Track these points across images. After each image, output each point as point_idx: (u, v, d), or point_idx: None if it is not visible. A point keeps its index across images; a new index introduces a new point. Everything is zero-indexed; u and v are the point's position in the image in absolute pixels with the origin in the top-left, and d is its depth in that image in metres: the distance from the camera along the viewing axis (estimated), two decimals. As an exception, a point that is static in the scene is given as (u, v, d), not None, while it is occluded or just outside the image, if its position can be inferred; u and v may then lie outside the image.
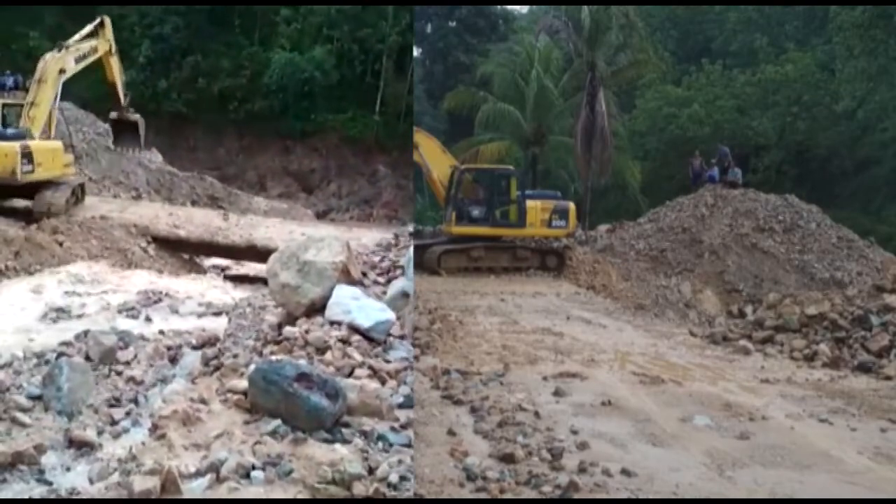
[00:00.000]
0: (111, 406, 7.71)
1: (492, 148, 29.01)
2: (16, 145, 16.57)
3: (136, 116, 22.37)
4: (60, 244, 15.23)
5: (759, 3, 37.59)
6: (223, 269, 18.60)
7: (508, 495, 6.09)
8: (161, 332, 10.04)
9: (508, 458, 6.74)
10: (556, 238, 21.09)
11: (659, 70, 34.60)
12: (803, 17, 38.33)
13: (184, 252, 18.31)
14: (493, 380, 9.71)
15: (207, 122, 35.10)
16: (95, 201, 19.53)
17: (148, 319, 11.05)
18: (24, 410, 7.32)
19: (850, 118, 32.57)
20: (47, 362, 8.54)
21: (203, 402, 5.86)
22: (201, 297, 12.94)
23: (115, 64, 20.50)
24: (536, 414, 8.24)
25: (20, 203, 17.26)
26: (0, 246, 13.82)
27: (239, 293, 13.07)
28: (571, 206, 21.26)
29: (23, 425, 7.04)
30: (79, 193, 18.47)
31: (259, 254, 16.13)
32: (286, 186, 35.14)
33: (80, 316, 10.97)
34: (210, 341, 9.17)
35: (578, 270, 19.46)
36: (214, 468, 4.84)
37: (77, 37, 18.97)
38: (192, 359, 8.79)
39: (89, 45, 19.09)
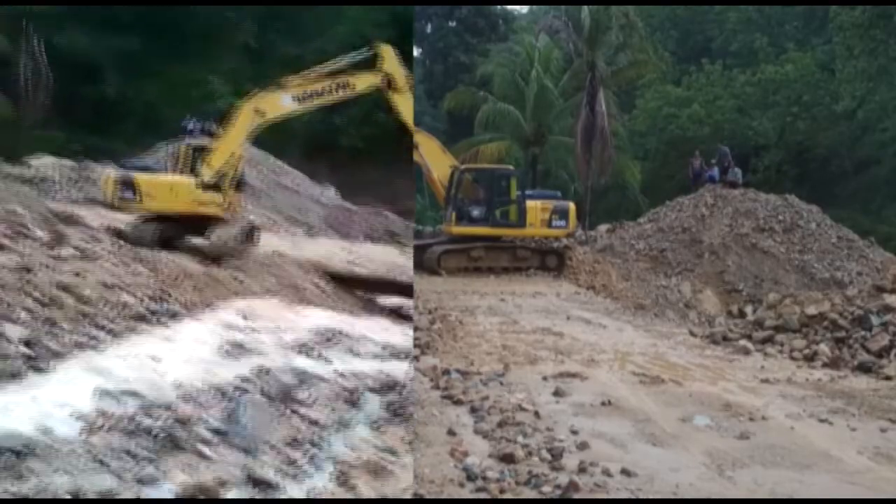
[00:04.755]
0: (290, 446, 7.48)
1: (492, 148, 29.02)
2: (111, 173, 16.76)
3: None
4: (238, 280, 15.02)
5: (759, 3, 37.59)
6: (402, 308, 16.73)
7: (508, 495, 6.09)
8: (339, 374, 9.70)
9: (508, 458, 6.74)
10: (556, 238, 21.08)
11: (659, 70, 34.63)
12: (803, 17, 38.35)
13: (360, 290, 17.50)
14: (493, 380, 9.70)
15: (384, 156, 34.43)
16: (271, 238, 19.10)
17: (324, 359, 10.61)
18: (207, 443, 7.22)
19: (850, 118, 32.58)
20: (224, 395, 8.38)
21: (392, 452, 5.69)
22: (380, 337, 12.34)
23: (399, 100, 17.40)
24: (536, 414, 8.23)
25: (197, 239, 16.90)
26: (183, 280, 13.72)
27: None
28: (571, 206, 21.25)
29: (205, 458, 6.97)
30: (250, 231, 17.75)
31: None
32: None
33: (255, 352, 10.67)
34: (391, 386, 8.88)
35: (578, 270, 19.45)
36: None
37: (319, 69, 16.93)
38: (373, 404, 8.50)
39: (330, 83, 16.84)
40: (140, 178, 16.86)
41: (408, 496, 4.65)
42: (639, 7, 33.14)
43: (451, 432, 7.51)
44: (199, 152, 17.12)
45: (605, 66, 28.75)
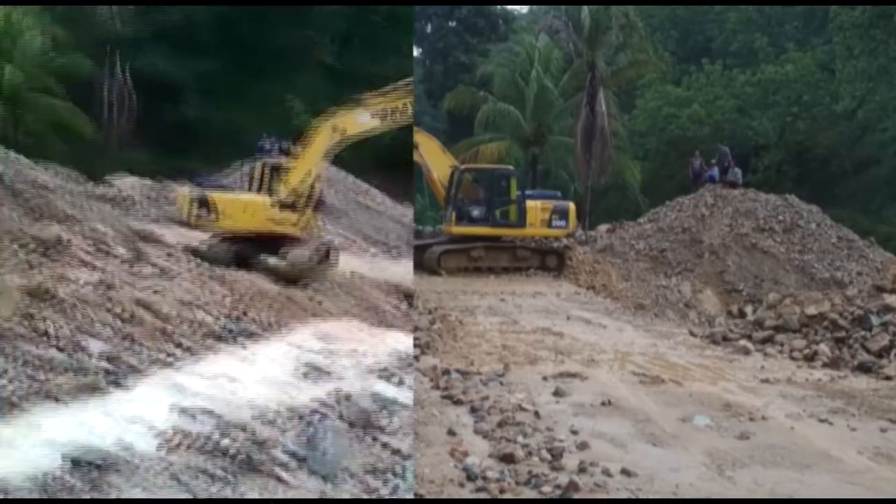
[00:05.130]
0: (370, 474, 7.37)
1: (492, 148, 29.00)
2: (188, 191, 16.87)
3: None
4: (315, 301, 14.86)
5: (759, 3, 37.58)
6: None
7: (508, 495, 6.09)
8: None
9: (508, 458, 6.74)
10: (556, 238, 21.09)
11: (659, 70, 34.62)
12: (803, 17, 38.34)
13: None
14: (493, 380, 9.71)
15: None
16: (350, 258, 18.91)
17: (403, 383, 10.32)
18: (284, 467, 7.16)
19: (850, 118, 32.56)
20: (301, 418, 8.31)
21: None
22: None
23: None
24: (536, 414, 8.24)
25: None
26: (259, 300, 13.63)
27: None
28: (571, 206, 21.25)
29: (283, 482, 6.91)
30: (326, 251, 17.44)
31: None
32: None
33: (333, 375, 10.52)
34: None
35: (578, 270, 19.45)
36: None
37: (397, 86, 16.60)
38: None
39: (409, 100, 16.65)
40: (216, 196, 16.63)
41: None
42: (639, 7, 33.14)
43: (451, 432, 7.51)
44: (276, 171, 16.99)
45: (605, 66, 28.74)
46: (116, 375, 9.51)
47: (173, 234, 17.79)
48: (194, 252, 15.90)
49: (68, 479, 6.63)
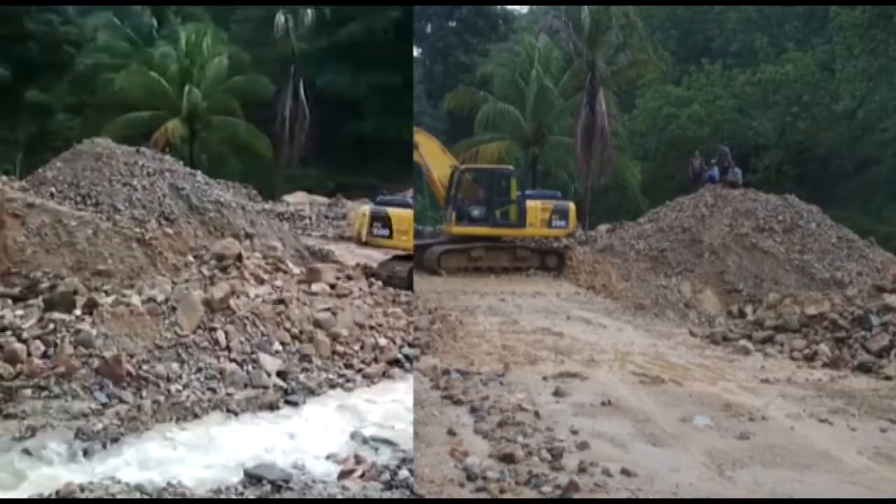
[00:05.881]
0: None
1: (492, 148, 28.98)
2: (366, 208, 17.01)
3: None
4: None
5: (759, 3, 37.56)
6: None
7: (508, 495, 6.10)
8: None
9: (508, 458, 6.74)
10: (556, 238, 21.08)
11: (659, 70, 34.58)
12: (803, 17, 38.30)
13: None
14: (493, 380, 9.72)
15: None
16: None
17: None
18: None
19: (850, 118, 32.51)
20: None
21: None
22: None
23: None
24: (536, 414, 8.24)
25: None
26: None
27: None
28: (571, 206, 21.24)
29: None
30: None
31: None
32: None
33: None
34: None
35: (578, 270, 19.45)
36: None
37: None
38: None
39: None
40: (393, 213, 16.46)
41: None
42: (639, 7, 33.09)
43: (451, 432, 7.52)
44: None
45: (605, 66, 28.71)
46: (291, 394, 9.80)
47: (347, 253, 18.15)
48: (371, 272, 15.81)
49: (243, 492, 6.80)
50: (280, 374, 10.29)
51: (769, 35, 37.85)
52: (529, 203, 20.30)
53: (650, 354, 12.06)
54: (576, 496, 6.06)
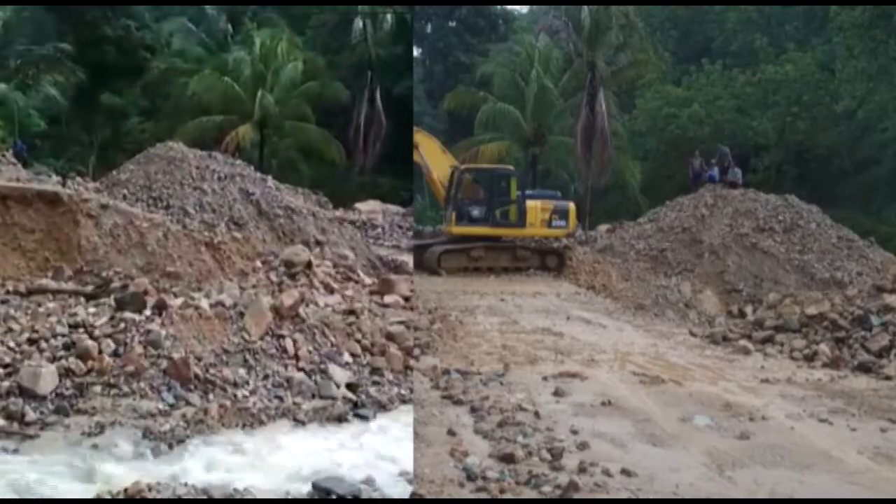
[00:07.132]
0: None
1: (492, 148, 28.98)
2: None
3: None
4: None
5: (759, 3, 37.55)
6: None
7: (508, 495, 6.10)
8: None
9: (508, 458, 6.74)
10: (556, 238, 21.08)
11: (659, 70, 34.56)
12: (803, 17, 38.27)
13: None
14: (493, 380, 9.72)
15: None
16: None
17: None
18: None
19: (850, 118, 32.49)
20: None
21: None
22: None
23: None
24: (536, 414, 8.24)
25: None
26: None
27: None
28: (571, 206, 21.25)
29: None
30: None
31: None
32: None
33: None
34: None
35: (578, 270, 19.45)
36: None
37: None
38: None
39: None
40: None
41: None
42: (639, 7, 33.08)
43: (451, 432, 7.52)
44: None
45: (605, 66, 28.71)
46: (361, 407, 9.66)
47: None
48: None
49: None
50: (350, 386, 10.13)
51: (769, 35, 37.82)
52: (529, 203, 20.30)
53: (650, 354, 12.06)
54: (576, 496, 6.05)
